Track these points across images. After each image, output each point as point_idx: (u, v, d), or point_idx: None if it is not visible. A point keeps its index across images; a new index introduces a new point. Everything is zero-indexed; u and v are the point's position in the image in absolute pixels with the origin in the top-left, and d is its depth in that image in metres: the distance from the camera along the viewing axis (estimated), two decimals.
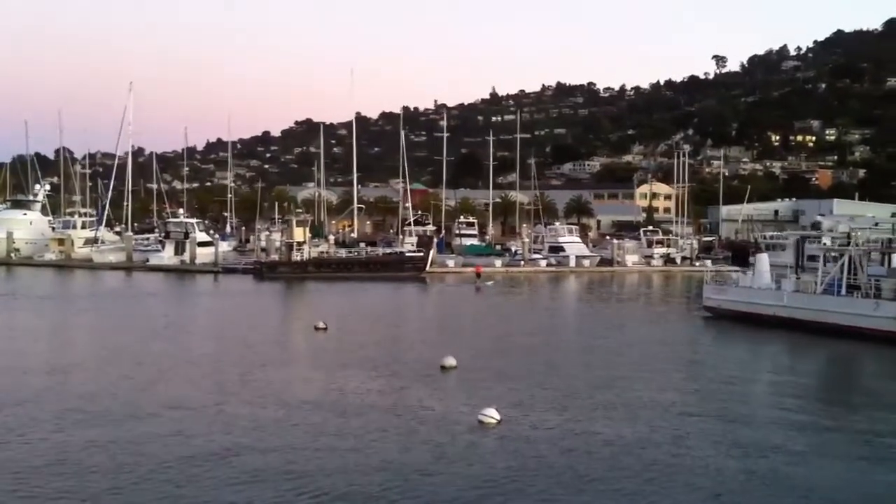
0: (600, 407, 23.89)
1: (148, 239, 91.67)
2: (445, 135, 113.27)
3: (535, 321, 46.01)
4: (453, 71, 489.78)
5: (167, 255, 77.53)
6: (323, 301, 55.57)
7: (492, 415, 21.78)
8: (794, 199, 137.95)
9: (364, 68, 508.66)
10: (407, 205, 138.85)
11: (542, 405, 23.88)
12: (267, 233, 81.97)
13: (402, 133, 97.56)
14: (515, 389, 25.88)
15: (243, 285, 67.01)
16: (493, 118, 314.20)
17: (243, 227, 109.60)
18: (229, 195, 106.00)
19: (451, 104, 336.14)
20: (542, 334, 40.06)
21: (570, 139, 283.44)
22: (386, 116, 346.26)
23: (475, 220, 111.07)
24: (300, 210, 78.33)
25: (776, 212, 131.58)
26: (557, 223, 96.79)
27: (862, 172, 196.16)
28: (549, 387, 26.49)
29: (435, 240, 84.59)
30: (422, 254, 73.66)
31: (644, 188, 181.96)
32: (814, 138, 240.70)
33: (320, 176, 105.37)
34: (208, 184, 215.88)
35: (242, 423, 21.52)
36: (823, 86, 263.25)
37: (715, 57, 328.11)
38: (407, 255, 73.81)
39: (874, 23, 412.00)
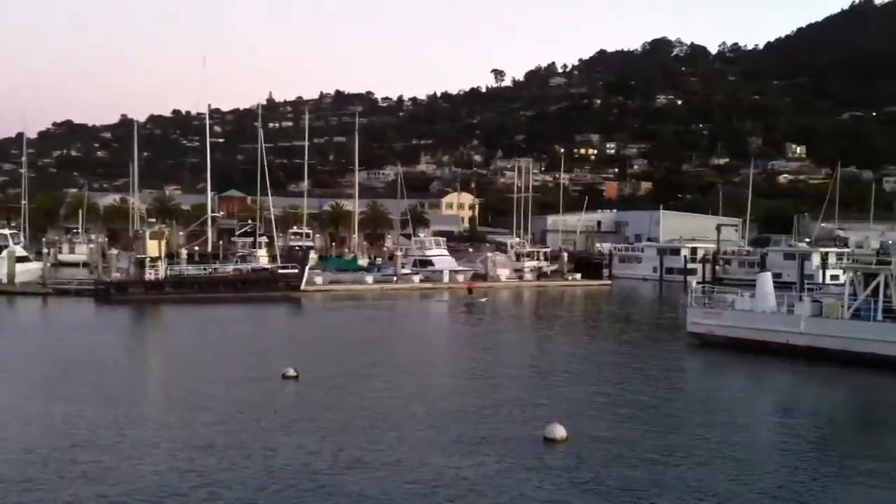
0: None
1: None
2: (306, 142, 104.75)
3: (535, 352, 38.69)
4: (227, 75, 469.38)
5: None
6: (216, 331, 45.14)
7: None
8: (614, 211, 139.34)
9: (134, 69, 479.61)
10: (221, 213, 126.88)
11: None
12: (94, 244, 68.91)
13: (260, 133, 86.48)
14: (720, 485, 18.97)
15: (86, 311, 54.82)
16: (271, 124, 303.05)
17: (44, 239, 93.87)
18: (23, 201, 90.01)
19: (225, 109, 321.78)
20: (588, 376, 32.29)
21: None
22: (155, 120, 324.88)
23: (310, 231, 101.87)
24: (152, 220, 66.30)
25: (599, 223, 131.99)
26: (422, 234, 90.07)
27: (647, 184, 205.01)
28: (743, 480, 19.75)
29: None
30: (296, 270, 64.45)
31: (449, 198, 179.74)
32: (595, 151, 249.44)
33: (134, 181, 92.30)
34: None
35: None
36: (599, 101, 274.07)
37: (494, 71, 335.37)
38: (280, 272, 64.19)
39: (635, 44, 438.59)
